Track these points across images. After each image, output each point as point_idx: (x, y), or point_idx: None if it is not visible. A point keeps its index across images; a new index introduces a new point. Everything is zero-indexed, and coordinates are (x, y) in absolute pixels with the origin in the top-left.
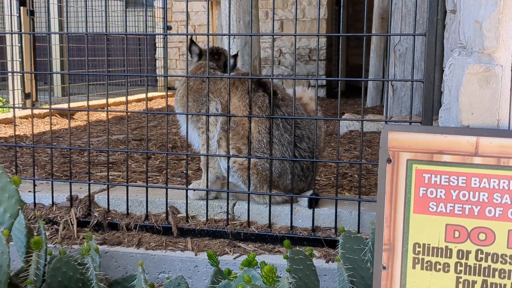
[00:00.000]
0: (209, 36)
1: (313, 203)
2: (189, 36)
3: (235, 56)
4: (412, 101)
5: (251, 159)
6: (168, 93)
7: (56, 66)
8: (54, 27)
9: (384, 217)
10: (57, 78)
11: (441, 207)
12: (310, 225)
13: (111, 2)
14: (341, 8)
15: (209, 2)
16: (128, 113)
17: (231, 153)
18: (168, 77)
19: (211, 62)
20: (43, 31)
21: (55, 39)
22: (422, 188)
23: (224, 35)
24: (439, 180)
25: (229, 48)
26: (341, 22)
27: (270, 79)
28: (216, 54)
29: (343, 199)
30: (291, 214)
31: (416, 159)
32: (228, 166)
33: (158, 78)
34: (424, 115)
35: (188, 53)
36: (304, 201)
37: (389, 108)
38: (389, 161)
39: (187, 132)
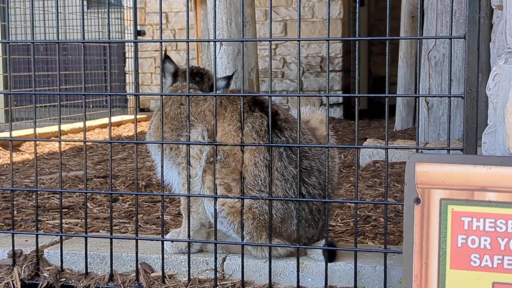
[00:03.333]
0: (192, 42)
1: (326, 256)
2: (163, 46)
3: (229, 78)
4: (449, 122)
5: (245, 200)
6: (142, 116)
7: None
8: None
9: (412, 274)
10: None
11: (486, 261)
12: (322, 285)
13: (68, 2)
14: (357, 3)
15: None
16: (87, 142)
17: (219, 192)
18: (140, 96)
19: (191, 84)
20: None
21: None
22: (461, 236)
23: (209, 41)
24: (482, 225)
25: (215, 58)
26: (357, 22)
27: (268, 96)
28: (198, 75)
29: (364, 250)
30: (298, 270)
31: (452, 198)
32: (215, 209)
33: (128, 98)
34: (466, 140)
35: (161, 73)
36: (315, 253)
37: (423, 131)
38: (417, 201)
39: (162, 166)
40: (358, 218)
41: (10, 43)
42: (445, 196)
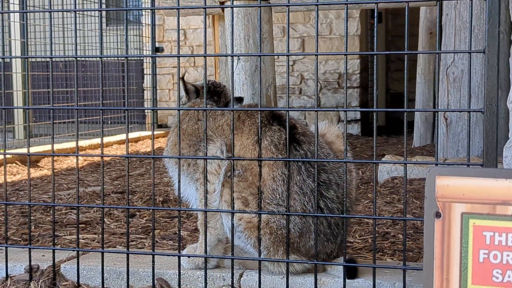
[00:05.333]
0: (210, 58)
1: (344, 272)
2: (181, 63)
3: (240, 99)
4: (469, 137)
5: (263, 215)
6: (159, 132)
7: (17, 100)
8: (16, 51)
9: None
10: (18, 116)
11: (509, 276)
12: None
13: (87, 19)
14: (375, 19)
15: (208, 15)
16: (105, 158)
17: (236, 206)
18: (158, 113)
19: (208, 101)
20: None
21: (16, 65)
22: (482, 250)
23: (227, 55)
24: (505, 240)
25: (232, 73)
26: (375, 37)
27: (285, 111)
28: (215, 94)
29: (383, 266)
30: (315, 287)
31: (473, 212)
32: (233, 224)
33: (146, 114)
34: (485, 155)
35: (185, 95)
36: (336, 270)
37: (442, 147)
38: (437, 215)
39: (179, 181)
40: (376, 235)
41: (30, 59)
42: (466, 210)
